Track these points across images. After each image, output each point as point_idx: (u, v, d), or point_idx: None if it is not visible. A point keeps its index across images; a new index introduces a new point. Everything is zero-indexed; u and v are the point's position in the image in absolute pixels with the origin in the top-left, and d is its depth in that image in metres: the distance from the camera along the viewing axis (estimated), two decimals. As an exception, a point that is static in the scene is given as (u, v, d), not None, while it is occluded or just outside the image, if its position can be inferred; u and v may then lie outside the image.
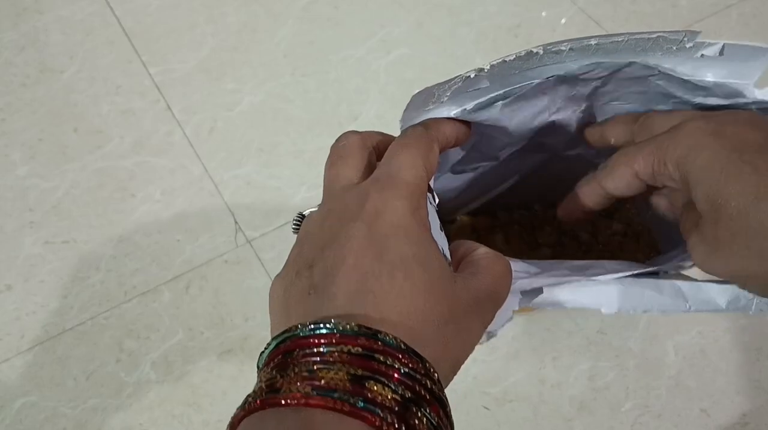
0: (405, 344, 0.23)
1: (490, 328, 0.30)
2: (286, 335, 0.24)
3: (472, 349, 0.26)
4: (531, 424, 0.57)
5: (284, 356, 0.23)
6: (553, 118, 0.39)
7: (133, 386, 0.60)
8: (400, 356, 0.23)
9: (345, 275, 0.24)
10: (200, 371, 0.61)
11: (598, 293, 0.34)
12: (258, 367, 0.25)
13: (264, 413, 0.22)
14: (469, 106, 0.32)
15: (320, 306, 0.24)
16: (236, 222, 0.68)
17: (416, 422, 0.22)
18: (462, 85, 0.31)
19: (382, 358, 0.22)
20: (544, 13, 0.83)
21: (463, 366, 0.26)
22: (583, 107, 0.39)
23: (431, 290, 0.24)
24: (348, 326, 0.23)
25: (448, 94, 0.31)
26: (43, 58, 0.80)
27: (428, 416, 0.22)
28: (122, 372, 0.61)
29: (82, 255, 0.66)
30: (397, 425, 0.22)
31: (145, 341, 0.62)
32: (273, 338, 0.24)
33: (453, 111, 0.32)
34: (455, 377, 0.26)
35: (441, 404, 0.23)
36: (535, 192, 0.48)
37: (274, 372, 0.23)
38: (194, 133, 0.74)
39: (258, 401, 0.22)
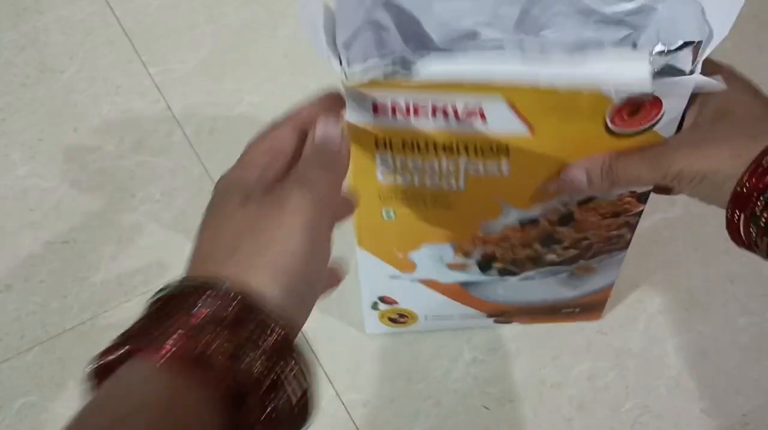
0: (233, 291, 0.27)
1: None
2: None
3: (301, 231, 0.30)
4: (531, 424, 0.57)
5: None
6: (484, 32, 0.40)
7: (133, 386, 0.60)
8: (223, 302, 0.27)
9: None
10: (200, 371, 0.61)
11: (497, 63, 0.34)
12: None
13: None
14: None
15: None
16: (236, 222, 0.68)
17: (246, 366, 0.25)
18: None
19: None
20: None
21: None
22: (514, 39, 0.40)
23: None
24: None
25: None
26: (43, 58, 0.80)
27: (259, 360, 0.26)
28: (122, 372, 0.61)
29: (82, 255, 0.66)
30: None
31: (145, 341, 0.62)
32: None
33: None
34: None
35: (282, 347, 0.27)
36: None
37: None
38: (194, 133, 0.74)
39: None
